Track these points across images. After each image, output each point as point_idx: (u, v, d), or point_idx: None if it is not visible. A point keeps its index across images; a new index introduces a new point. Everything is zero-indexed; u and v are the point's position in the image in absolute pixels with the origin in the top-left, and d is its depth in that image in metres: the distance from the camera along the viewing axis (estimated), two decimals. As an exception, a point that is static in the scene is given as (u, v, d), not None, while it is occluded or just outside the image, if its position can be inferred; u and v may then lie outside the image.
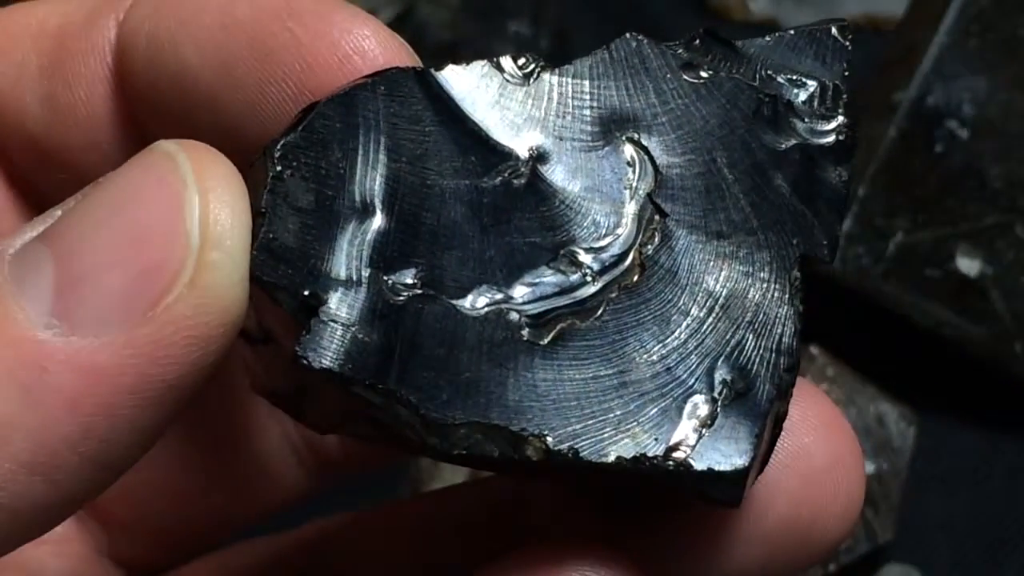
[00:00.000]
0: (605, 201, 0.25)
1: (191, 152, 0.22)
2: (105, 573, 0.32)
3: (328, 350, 0.23)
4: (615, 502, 0.28)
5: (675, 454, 0.23)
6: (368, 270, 0.24)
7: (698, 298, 0.25)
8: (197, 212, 0.22)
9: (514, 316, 0.24)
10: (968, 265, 0.56)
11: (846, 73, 0.26)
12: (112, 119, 0.28)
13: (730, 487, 0.23)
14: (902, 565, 0.53)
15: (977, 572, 0.55)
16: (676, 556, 0.27)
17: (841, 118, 0.26)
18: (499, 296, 0.24)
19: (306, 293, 0.23)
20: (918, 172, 0.57)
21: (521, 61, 0.25)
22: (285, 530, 0.34)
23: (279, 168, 0.23)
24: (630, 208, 0.25)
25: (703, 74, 0.26)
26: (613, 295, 0.24)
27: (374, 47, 0.25)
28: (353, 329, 0.23)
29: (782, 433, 0.25)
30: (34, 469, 0.21)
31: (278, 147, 0.23)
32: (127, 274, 0.21)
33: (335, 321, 0.23)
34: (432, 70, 0.25)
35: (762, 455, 0.24)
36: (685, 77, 0.26)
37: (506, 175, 0.25)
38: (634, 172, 0.25)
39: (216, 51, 0.25)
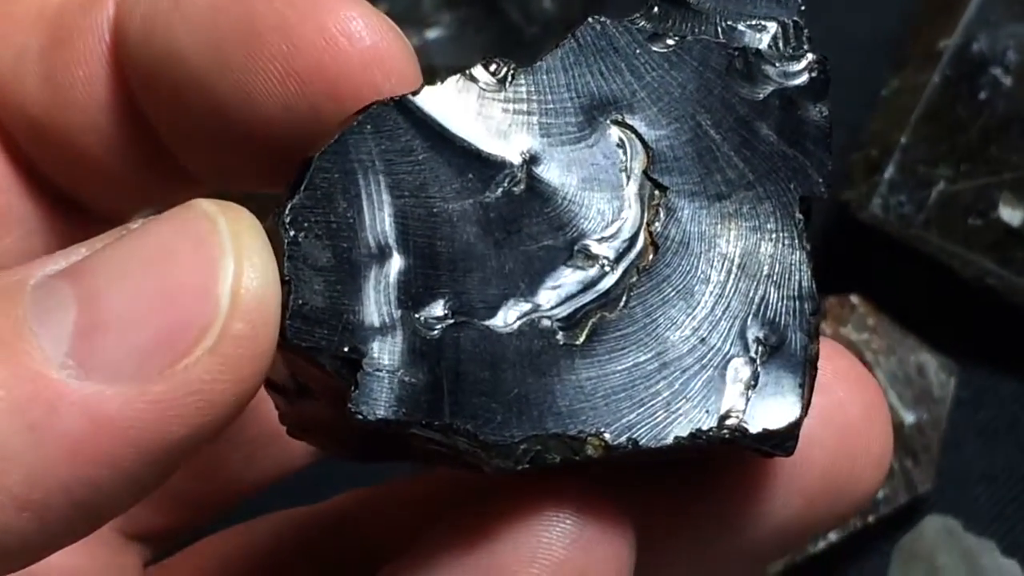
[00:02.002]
0: (605, 188, 0.25)
1: (231, 216, 0.22)
2: (114, 549, 0.32)
3: (380, 400, 0.23)
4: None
5: (728, 422, 0.24)
6: (399, 311, 0.24)
7: (714, 263, 0.25)
8: (230, 280, 0.22)
9: (546, 323, 0.24)
10: (1010, 214, 0.56)
11: (802, 8, 0.26)
12: (110, 99, 0.28)
13: (785, 440, 0.24)
14: (943, 516, 0.53)
15: (1018, 523, 0.55)
16: (717, 511, 0.27)
17: (809, 55, 0.26)
18: (527, 307, 0.24)
19: (346, 350, 0.23)
20: (961, 120, 0.56)
21: (493, 67, 0.25)
22: (299, 504, 0.34)
23: (292, 233, 0.24)
24: (630, 189, 0.25)
25: (670, 42, 0.26)
26: (634, 279, 0.25)
27: (361, 28, 0.25)
28: (398, 374, 0.23)
29: (818, 393, 0.26)
30: (24, 505, 0.21)
31: (287, 212, 0.24)
32: (150, 328, 0.21)
33: (379, 370, 0.23)
34: (409, 96, 0.25)
35: (806, 401, 0.25)
36: (654, 48, 0.26)
37: (505, 185, 0.25)
38: (625, 153, 0.25)
39: (206, 32, 0.25)
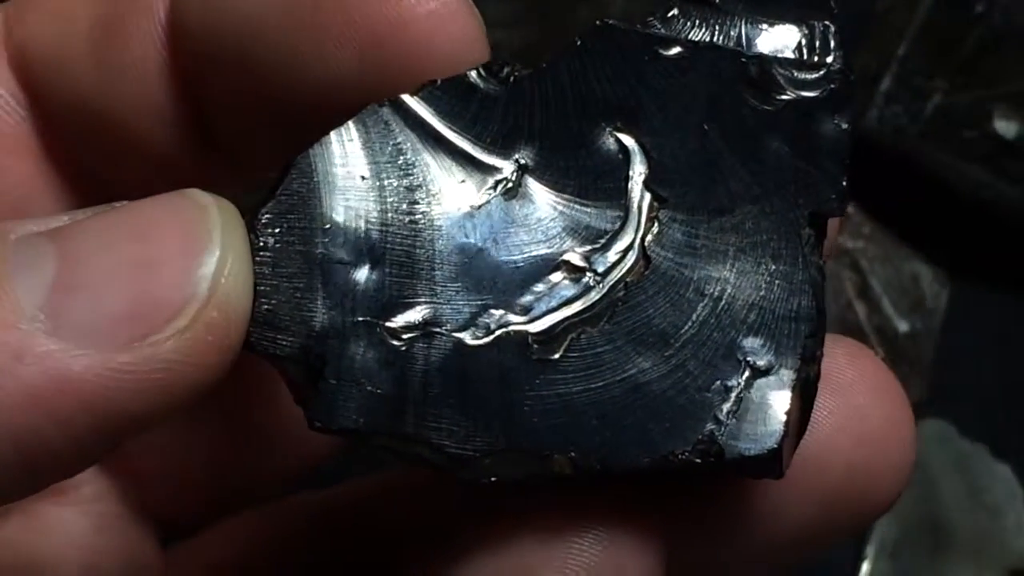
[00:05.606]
0: (601, 198, 0.24)
1: (223, 208, 0.22)
2: (134, 529, 0.32)
3: (341, 409, 0.23)
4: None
5: (702, 447, 0.23)
6: (368, 320, 0.23)
7: (708, 282, 0.24)
8: (214, 266, 0.21)
9: (522, 336, 0.23)
10: (1005, 127, 0.56)
11: (835, 10, 0.25)
12: (164, 79, 0.27)
13: (766, 465, 0.23)
14: (938, 420, 0.54)
15: (1006, 431, 0.56)
16: (730, 519, 0.27)
17: (833, 64, 0.25)
18: (504, 319, 0.23)
19: (308, 358, 0.23)
20: (958, 34, 0.57)
21: (495, 69, 0.24)
22: (320, 487, 0.34)
23: (262, 240, 0.23)
24: (627, 201, 0.24)
25: (681, 48, 0.25)
26: (621, 295, 0.24)
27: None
28: (362, 383, 0.23)
29: (838, 396, 0.25)
30: None
31: (260, 216, 0.23)
32: (127, 299, 0.21)
33: (341, 379, 0.23)
34: (406, 97, 0.24)
35: (796, 425, 0.24)
36: (664, 54, 0.24)
37: (495, 191, 0.24)
38: (626, 162, 0.24)
39: (273, 9, 0.25)
